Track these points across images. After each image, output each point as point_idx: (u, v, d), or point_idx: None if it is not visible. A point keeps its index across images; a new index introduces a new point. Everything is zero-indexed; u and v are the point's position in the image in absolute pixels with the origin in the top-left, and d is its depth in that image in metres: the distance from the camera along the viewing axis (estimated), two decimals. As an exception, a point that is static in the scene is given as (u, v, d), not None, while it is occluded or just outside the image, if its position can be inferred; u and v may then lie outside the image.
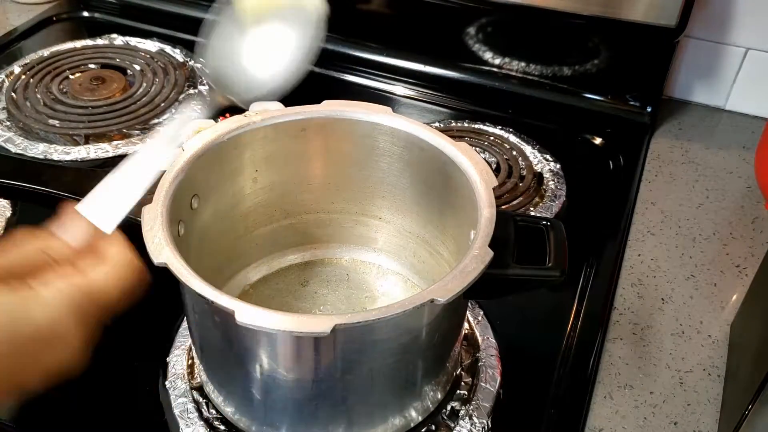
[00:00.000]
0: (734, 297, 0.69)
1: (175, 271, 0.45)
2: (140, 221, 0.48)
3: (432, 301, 0.44)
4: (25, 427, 0.57)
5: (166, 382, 0.59)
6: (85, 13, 1.09)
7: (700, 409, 0.59)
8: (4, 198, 0.75)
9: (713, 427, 0.58)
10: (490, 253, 0.46)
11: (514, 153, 0.84)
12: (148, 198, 0.50)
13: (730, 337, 0.65)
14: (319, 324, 0.42)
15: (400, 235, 0.65)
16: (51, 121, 0.86)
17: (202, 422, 0.56)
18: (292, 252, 0.67)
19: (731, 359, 0.63)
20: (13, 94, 0.90)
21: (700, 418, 0.59)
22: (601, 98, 0.92)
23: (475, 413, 0.57)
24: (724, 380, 0.62)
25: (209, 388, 0.57)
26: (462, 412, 0.57)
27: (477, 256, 0.46)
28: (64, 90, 0.91)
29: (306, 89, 0.55)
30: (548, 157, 0.84)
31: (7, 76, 0.93)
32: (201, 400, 0.58)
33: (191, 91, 0.92)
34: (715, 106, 0.95)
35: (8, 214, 0.74)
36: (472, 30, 0.94)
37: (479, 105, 0.93)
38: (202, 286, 0.44)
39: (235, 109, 0.80)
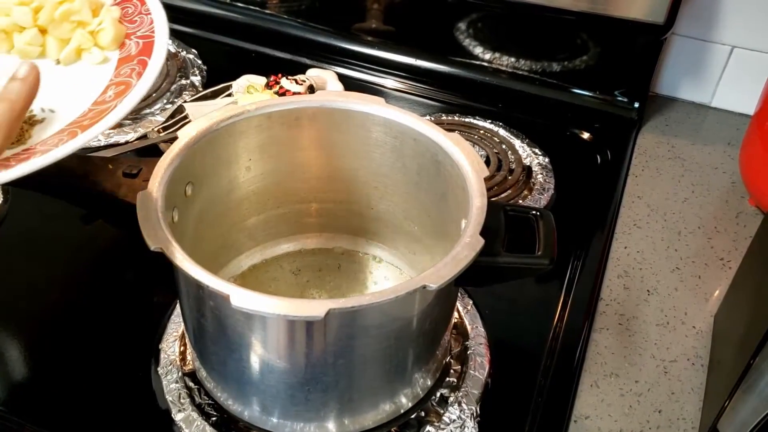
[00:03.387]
0: (718, 289, 0.70)
1: (171, 256, 0.46)
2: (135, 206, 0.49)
3: (424, 287, 0.45)
4: (17, 413, 0.57)
5: (159, 369, 0.59)
6: (76, 3, 1.09)
7: (683, 397, 0.61)
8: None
9: (696, 415, 0.59)
10: (481, 241, 0.47)
11: (504, 147, 0.85)
12: (143, 184, 0.50)
13: (714, 328, 0.66)
14: (313, 308, 0.43)
15: (392, 225, 0.65)
16: (42, 110, 0.86)
17: (194, 408, 0.57)
18: (285, 241, 0.68)
19: (714, 350, 0.64)
20: (4, 82, 0.90)
21: (683, 406, 0.60)
22: (590, 94, 0.93)
23: (464, 400, 0.58)
24: (707, 370, 0.63)
25: (202, 374, 0.57)
26: (451, 399, 0.58)
27: (468, 244, 0.47)
28: (56, 79, 0.91)
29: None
30: (537, 150, 0.85)
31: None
32: (193, 386, 0.58)
33: (183, 81, 0.92)
34: (701, 102, 0.96)
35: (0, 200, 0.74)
36: (462, 24, 0.95)
37: (469, 99, 0.94)
38: (198, 270, 0.45)
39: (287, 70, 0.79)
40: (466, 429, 0.56)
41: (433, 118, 0.89)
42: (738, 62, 0.91)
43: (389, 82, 0.97)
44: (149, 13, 0.53)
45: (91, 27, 0.51)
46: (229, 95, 0.87)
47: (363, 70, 0.98)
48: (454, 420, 0.57)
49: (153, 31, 0.51)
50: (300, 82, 0.84)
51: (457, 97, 0.94)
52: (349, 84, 0.92)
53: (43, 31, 0.50)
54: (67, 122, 0.47)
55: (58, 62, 0.51)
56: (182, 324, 0.61)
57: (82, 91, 0.49)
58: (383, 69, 0.98)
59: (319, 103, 0.59)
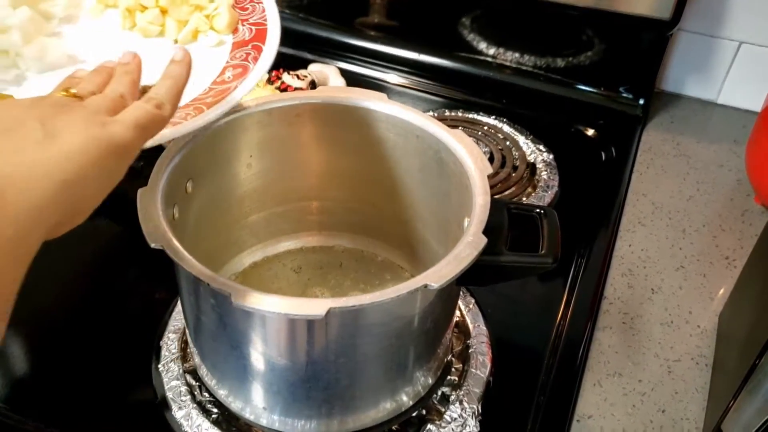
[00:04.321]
0: (723, 288, 0.70)
1: (172, 253, 0.45)
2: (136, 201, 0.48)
3: (426, 286, 0.44)
4: (17, 410, 0.57)
5: (159, 365, 0.59)
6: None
7: (687, 397, 0.60)
8: None
9: (700, 415, 0.59)
10: (484, 240, 0.47)
11: (508, 143, 0.84)
12: (143, 181, 0.50)
13: (719, 327, 0.66)
14: (314, 307, 0.42)
15: (393, 223, 0.65)
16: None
17: (195, 405, 0.56)
18: (286, 238, 0.67)
19: (719, 349, 0.64)
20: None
21: (687, 406, 0.60)
22: (594, 90, 0.93)
23: (465, 398, 0.58)
24: (711, 369, 0.62)
25: (202, 371, 0.57)
26: (452, 397, 0.58)
27: (471, 243, 0.47)
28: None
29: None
30: (541, 147, 0.84)
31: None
32: (194, 383, 0.58)
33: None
34: (707, 99, 0.95)
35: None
36: (466, 20, 0.94)
37: (473, 95, 0.93)
38: (199, 268, 0.44)
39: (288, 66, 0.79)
40: (467, 427, 0.56)
41: (436, 114, 0.89)
42: (745, 58, 0.90)
43: (392, 77, 0.96)
44: (261, 2, 0.56)
45: (208, 11, 0.54)
46: (232, 90, 0.86)
47: (365, 65, 0.98)
48: (456, 418, 0.56)
49: (265, 20, 0.54)
50: (302, 78, 0.83)
51: (461, 93, 0.94)
52: (352, 79, 0.91)
53: (163, 12, 0.54)
54: (189, 99, 0.50)
55: (175, 41, 0.54)
56: (183, 321, 0.61)
57: (200, 71, 0.52)
58: (386, 64, 0.97)
59: (320, 99, 0.59)
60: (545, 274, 0.69)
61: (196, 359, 0.58)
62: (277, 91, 0.81)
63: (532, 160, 0.82)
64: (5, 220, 0.30)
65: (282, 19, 0.57)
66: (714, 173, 0.84)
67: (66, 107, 0.38)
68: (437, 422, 0.56)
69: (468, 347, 0.61)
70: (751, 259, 0.64)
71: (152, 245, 0.46)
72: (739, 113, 0.94)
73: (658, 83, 0.96)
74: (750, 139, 0.79)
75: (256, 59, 0.52)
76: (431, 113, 0.89)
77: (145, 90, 0.44)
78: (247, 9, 0.56)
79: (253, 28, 0.54)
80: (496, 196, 0.76)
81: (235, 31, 0.54)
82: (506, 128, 0.87)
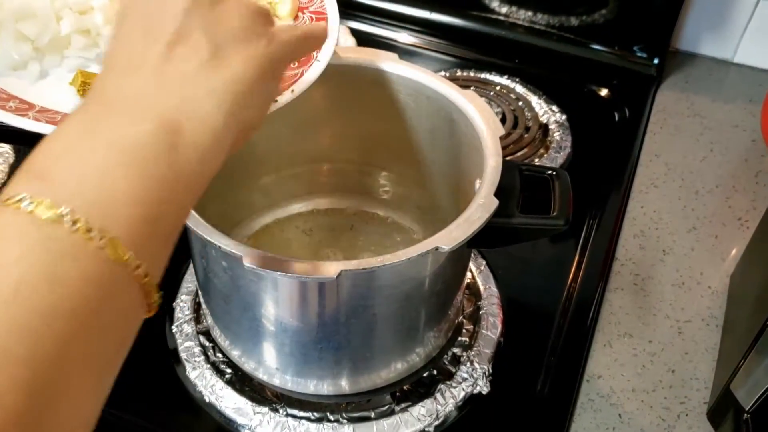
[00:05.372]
0: (735, 249, 0.70)
1: (183, 216, 0.45)
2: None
3: (437, 248, 0.44)
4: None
5: (173, 327, 0.60)
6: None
7: (697, 357, 0.61)
8: (7, 143, 0.75)
9: (709, 375, 0.59)
10: (495, 202, 0.47)
11: (520, 104, 0.83)
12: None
13: (730, 288, 0.66)
14: (325, 269, 0.43)
15: (404, 185, 0.65)
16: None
17: (208, 365, 0.57)
18: (297, 201, 0.67)
19: (730, 310, 0.64)
20: None
21: (697, 366, 0.60)
22: (608, 49, 0.91)
23: (476, 359, 0.58)
24: (722, 330, 0.63)
25: (215, 332, 0.58)
26: (463, 358, 0.58)
27: (482, 205, 0.47)
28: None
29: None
30: (554, 108, 0.83)
31: None
32: (207, 343, 0.59)
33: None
34: (723, 58, 0.94)
35: (11, 160, 0.74)
36: (479, -23, 0.92)
37: (485, 54, 0.92)
38: (210, 230, 0.44)
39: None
40: (477, 387, 0.57)
41: (447, 74, 0.88)
42: (763, 16, 0.88)
43: (403, 36, 0.95)
44: None
45: None
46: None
47: (376, 24, 0.96)
48: (466, 378, 0.57)
49: (324, 9, 0.56)
50: (312, 38, 0.82)
51: (473, 52, 0.93)
52: (362, 39, 0.90)
53: None
54: None
55: None
56: (195, 283, 0.61)
57: None
58: (396, 23, 0.96)
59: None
60: (557, 235, 0.69)
61: (209, 320, 0.58)
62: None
63: (544, 121, 0.82)
64: (190, 152, 0.31)
65: (290, -23, 0.56)
66: (728, 134, 0.83)
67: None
68: (448, 382, 0.57)
69: (479, 309, 0.62)
70: (763, 220, 0.64)
71: (164, 208, 0.46)
72: (755, 72, 0.92)
73: (673, 42, 0.94)
74: (766, 99, 0.77)
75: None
76: (442, 73, 0.88)
77: None
78: None
79: (314, 16, 0.55)
80: (507, 158, 0.75)
81: (296, 18, 0.56)
82: (519, 88, 0.86)
